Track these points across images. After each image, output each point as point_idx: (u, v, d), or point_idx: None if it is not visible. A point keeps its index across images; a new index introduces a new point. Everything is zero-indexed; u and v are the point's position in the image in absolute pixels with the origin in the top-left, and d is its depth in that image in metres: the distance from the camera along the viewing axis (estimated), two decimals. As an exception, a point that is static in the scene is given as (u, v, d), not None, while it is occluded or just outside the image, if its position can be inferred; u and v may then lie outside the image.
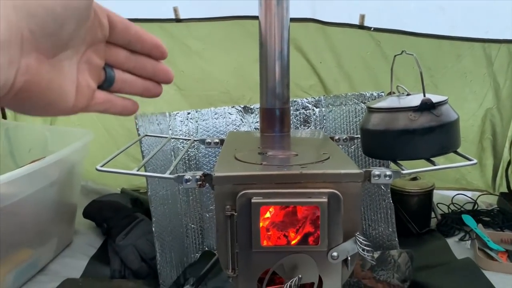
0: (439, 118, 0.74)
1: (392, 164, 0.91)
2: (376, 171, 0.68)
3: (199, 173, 0.68)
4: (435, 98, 0.76)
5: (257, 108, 1.28)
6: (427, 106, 0.73)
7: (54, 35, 0.31)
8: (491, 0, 1.37)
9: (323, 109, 1.33)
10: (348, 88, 1.51)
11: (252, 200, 0.63)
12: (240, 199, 0.63)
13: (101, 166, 0.68)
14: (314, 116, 1.34)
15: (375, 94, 1.29)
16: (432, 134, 0.73)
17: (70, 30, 0.32)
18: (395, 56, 0.83)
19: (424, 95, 0.75)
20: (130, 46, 0.40)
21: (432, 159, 0.75)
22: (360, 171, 0.65)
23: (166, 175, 0.68)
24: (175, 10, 1.46)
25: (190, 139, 1.05)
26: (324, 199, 0.63)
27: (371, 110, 0.80)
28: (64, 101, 0.35)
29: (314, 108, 1.34)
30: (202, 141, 1.04)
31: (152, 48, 0.41)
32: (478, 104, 1.50)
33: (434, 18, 1.42)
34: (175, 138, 1.14)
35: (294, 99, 1.32)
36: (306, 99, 1.34)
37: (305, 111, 1.34)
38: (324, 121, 1.33)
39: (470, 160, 0.71)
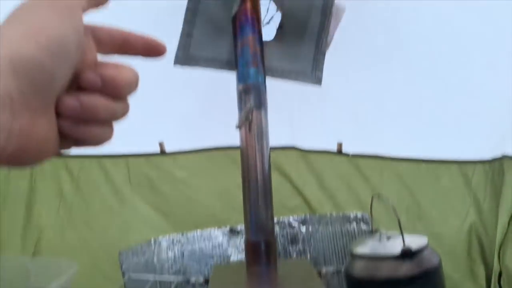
0: (421, 265, 0.74)
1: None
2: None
3: None
4: (415, 242, 0.77)
5: (243, 229, 1.28)
6: (407, 256, 0.74)
7: (46, 90, 0.28)
8: (463, 122, 1.44)
9: (310, 227, 1.34)
10: (332, 207, 1.53)
11: None
12: None
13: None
14: (302, 235, 1.34)
15: (359, 215, 1.31)
16: (416, 285, 0.73)
17: (62, 79, 0.29)
18: (372, 197, 0.85)
19: (404, 242, 0.76)
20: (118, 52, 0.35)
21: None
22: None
23: None
24: (161, 145, 1.51)
25: (173, 282, 1.03)
26: None
27: (354, 256, 0.81)
28: (53, 147, 0.31)
29: (301, 225, 1.35)
30: (187, 281, 1.02)
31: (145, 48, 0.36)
32: (462, 220, 1.51)
33: (410, 142, 1.49)
34: (159, 280, 1.11)
35: (281, 219, 1.33)
36: (292, 217, 1.35)
37: (292, 230, 1.35)
38: (312, 239, 1.33)
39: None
